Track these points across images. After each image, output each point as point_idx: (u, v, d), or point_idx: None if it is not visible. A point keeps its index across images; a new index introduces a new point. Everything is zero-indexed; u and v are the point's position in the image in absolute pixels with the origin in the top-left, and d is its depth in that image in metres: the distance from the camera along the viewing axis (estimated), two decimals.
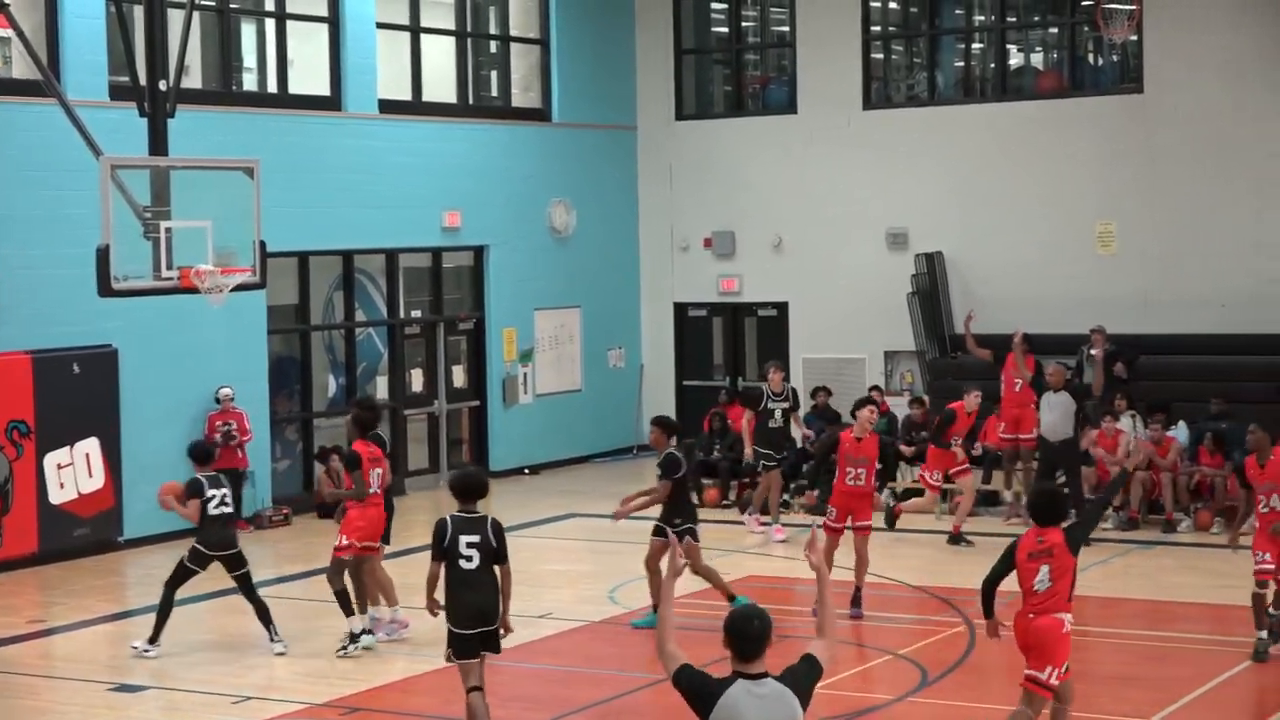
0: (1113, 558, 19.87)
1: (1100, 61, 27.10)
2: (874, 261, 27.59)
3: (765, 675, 7.05)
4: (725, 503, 24.09)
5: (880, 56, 28.73)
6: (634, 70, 29.80)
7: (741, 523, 22.15)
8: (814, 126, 28.25)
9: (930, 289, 26.81)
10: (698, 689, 7.04)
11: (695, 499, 16.18)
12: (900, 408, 25.39)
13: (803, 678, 7.15)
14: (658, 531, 15.97)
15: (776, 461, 21.62)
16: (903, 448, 23.62)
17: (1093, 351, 23.50)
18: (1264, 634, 14.32)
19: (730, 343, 29.56)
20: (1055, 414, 21.05)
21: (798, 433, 23.31)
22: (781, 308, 28.79)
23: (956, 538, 20.49)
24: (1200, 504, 21.54)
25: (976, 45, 28.21)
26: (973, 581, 14.78)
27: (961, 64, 28.34)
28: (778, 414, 21.60)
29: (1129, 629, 16.17)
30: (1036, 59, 28.07)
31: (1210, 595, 17.37)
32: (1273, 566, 14.23)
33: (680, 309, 29.77)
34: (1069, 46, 27.18)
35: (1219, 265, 25.23)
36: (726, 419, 25.29)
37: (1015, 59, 27.94)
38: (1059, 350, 23.45)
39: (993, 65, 27.71)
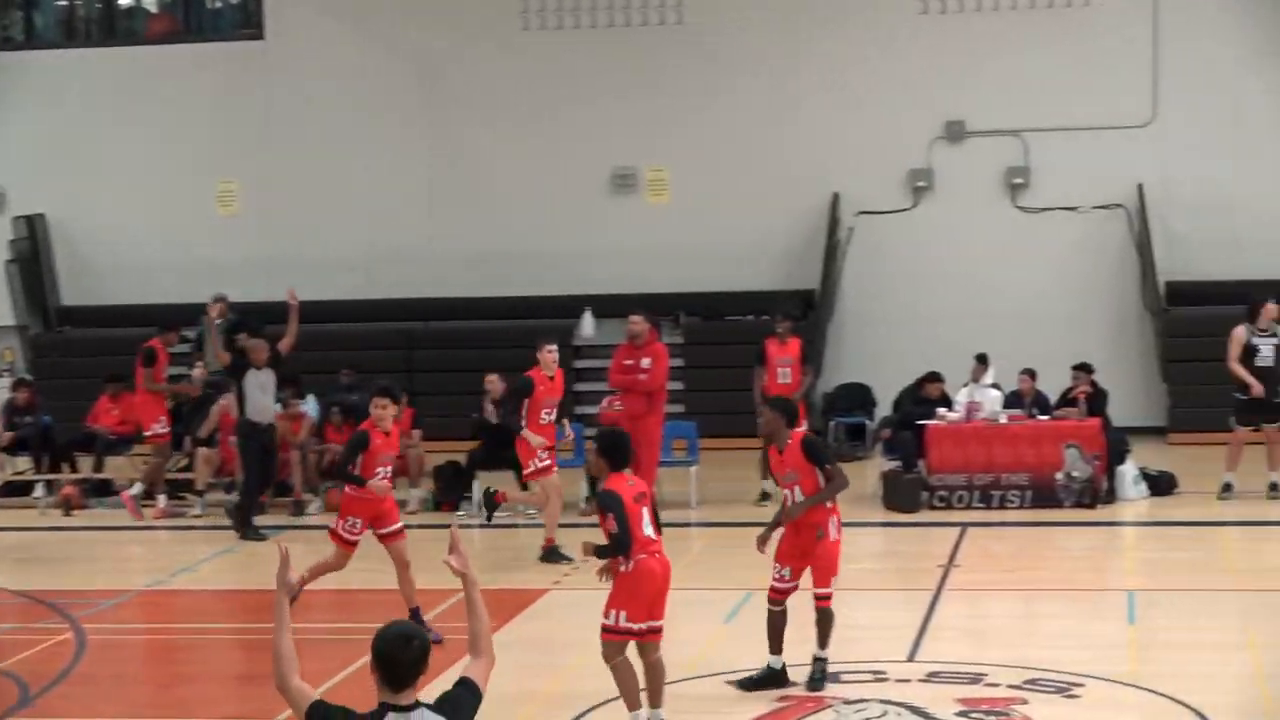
0: (232, 548, 18.62)
1: (219, 4, 26.76)
2: None
3: (417, 705, 6.34)
4: None
5: None
6: None
7: None
8: None
9: (32, 256, 25.59)
10: None
11: None
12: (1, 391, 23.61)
13: (465, 708, 6.46)
14: None
15: None
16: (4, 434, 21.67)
17: (216, 321, 21.78)
18: (776, 659, 12.29)
19: None
20: (269, 395, 18.89)
21: None
22: None
23: (552, 552, 17.01)
24: (330, 484, 20.03)
25: None
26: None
27: (64, 3, 27.43)
28: None
29: (250, 622, 15.09)
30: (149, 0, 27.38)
31: (341, 581, 16.09)
32: (792, 585, 12.16)
33: None
34: None
35: (342, 228, 25.13)
36: None
37: None
38: (183, 320, 22.00)
39: (99, 5, 26.82)
